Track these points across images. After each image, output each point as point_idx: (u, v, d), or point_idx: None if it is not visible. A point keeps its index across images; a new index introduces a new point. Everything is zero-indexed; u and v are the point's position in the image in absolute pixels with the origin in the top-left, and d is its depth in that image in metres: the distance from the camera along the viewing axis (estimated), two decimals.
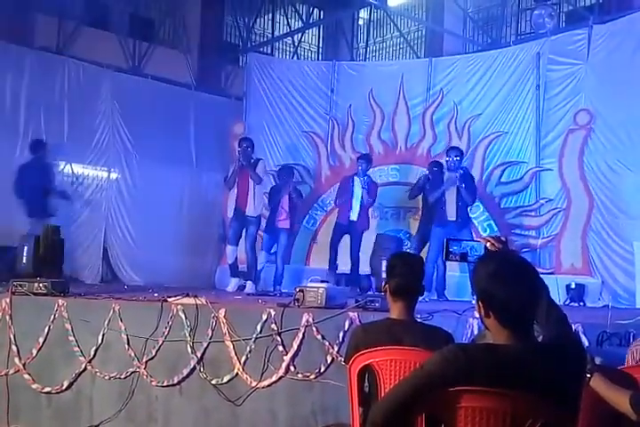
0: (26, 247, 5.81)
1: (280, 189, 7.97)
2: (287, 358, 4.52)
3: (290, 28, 12.15)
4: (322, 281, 4.96)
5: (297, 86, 9.55)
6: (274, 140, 9.46)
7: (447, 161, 7.19)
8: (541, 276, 2.27)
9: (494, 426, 1.94)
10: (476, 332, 4.03)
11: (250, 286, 7.34)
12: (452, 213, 7.03)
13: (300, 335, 4.52)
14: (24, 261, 5.69)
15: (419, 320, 3.34)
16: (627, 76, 7.38)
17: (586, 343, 3.89)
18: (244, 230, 7.42)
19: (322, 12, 12.75)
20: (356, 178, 7.82)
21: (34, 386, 5.16)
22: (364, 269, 7.30)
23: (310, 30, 12.64)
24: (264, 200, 7.88)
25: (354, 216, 7.74)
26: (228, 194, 7.72)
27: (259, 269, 7.66)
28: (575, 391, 2.05)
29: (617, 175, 7.43)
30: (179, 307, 4.89)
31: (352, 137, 9.22)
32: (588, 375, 2.46)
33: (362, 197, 7.73)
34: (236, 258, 7.58)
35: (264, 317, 4.62)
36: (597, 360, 2.72)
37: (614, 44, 7.67)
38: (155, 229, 8.94)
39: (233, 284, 7.61)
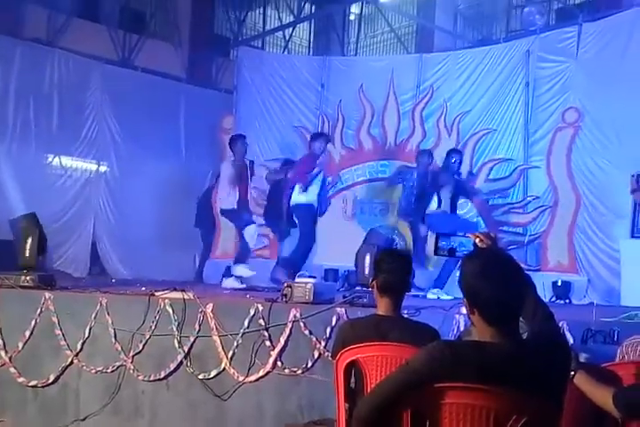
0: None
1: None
2: (274, 354, 4.52)
3: (281, 22, 12.11)
4: (310, 277, 4.95)
5: (287, 81, 9.54)
6: (264, 135, 9.45)
7: (452, 163, 7.15)
8: (528, 273, 2.28)
9: (478, 422, 1.96)
10: (462, 328, 4.04)
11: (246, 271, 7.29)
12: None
13: (288, 331, 4.53)
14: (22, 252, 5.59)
15: (405, 316, 3.36)
16: (615, 74, 7.41)
17: (571, 341, 3.92)
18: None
19: (313, 7, 12.72)
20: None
21: (20, 380, 5.15)
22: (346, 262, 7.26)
23: (301, 25, 12.60)
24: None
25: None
26: (218, 188, 7.72)
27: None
28: (560, 388, 2.07)
29: (604, 173, 7.47)
30: (166, 301, 4.88)
31: (342, 132, 9.23)
32: (572, 373, 2.48)
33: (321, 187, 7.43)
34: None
35: (252, 312, 4.63)
36: (582, 357, 2.74)
37: (604, 42, 7.69)
38: (143, 222, 8.91)
39: (242, 271, 7.30)
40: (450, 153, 7.29)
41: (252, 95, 9.63)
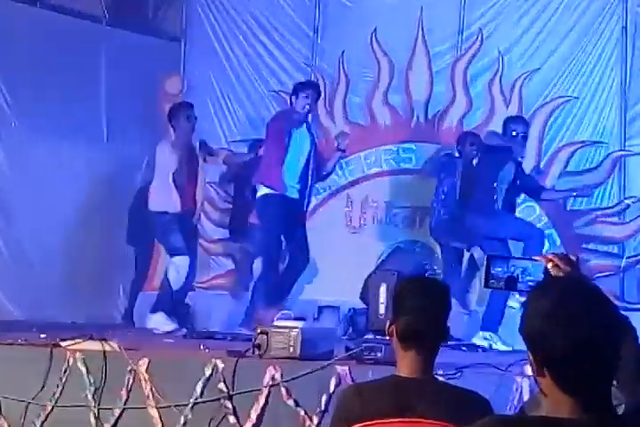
0: None
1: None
2: None
3: None
4: (296, 318, 4.96)
5: (263, 24, 9.56)
6: (227, 104, 9.46)
7: (512, 137, 7.22)
8: (625, 313, 2.28)
9: None
10: (526, 397, 4.05)
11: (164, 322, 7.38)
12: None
13: (262, 400, 4.57)
14: None
15: (441, 379, 3.36)
16: None
17: None
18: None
19: None
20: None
21: None
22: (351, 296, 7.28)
23: None
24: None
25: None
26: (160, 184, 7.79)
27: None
28: None
29: None
30: (77, 355, 4.89)
31: (345, 100, 9.25)
32: None
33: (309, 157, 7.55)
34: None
35: (207, 371, 4.66)
36: None
37: None
38: (42, 236, 8.84)
39: (158, 321, 7.44)
40: (508, 123, 7.36)
41: (208, 45, 9.67)
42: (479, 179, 7.27)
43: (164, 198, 7.47)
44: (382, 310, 5.06)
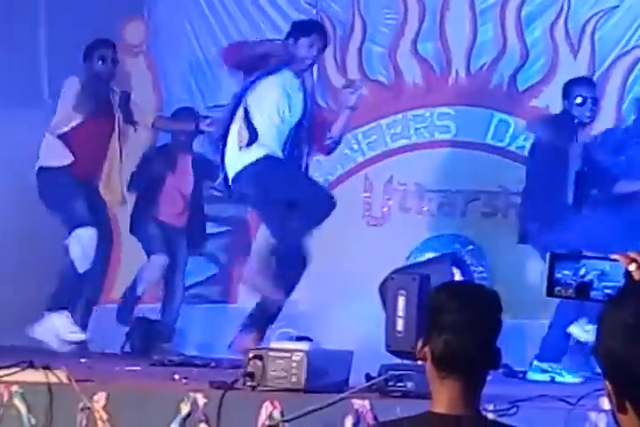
0: None
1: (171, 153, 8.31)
2: None
3: None
4: (299, 338, 4.99)
5: None
6: (205, 57, 9.46)
7: (576, 106, 7.24)
8: None
9: None
10: None
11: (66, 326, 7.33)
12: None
13: None
14: None
15: (490, 417, 3.37)
16: None
17: None
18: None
19: None
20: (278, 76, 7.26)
21: None
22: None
23: None
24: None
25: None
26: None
27: None
28: None
29: None
30: (14, 389, 4.93)
31: (361, 51, 9.26)
32: None
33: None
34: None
35: (184, 409, 4.69)
36: None
37: None
38: None
39: (60, 324, 7.40)
40: (570, 87, 7.40)
41: None
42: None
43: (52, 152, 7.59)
44: (401, 326, 5.06)
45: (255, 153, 6.91)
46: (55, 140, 7.61)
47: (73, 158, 7.54)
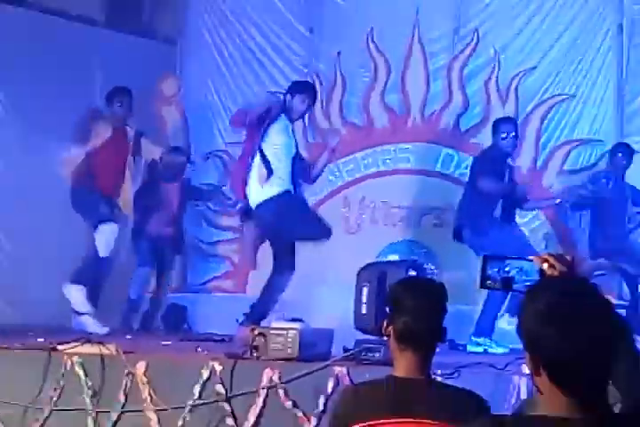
0: None
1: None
2: None
3: None
4: (293, 319, 4.96)
5: (259, 25, 9.55)
6: (223, 105, 9.44)
7: (501, 140, 7.23)
8: (623, 314, 2.27)
9: None
10: (524, 396, 4.07)
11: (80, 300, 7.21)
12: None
13: (260, 402, 4.58)
14: None
15: (438, 379, 3.37)
16: None
17: None
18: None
19: None
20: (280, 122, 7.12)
21: None
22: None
23: None
24: None
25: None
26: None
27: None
28: None
29: None
30: (75, 359, 4.89)
31: (342, 101, 9.23)
32: None
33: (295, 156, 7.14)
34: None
35: (205, 374, 4.68)
36: None
37: None
38: (38, 237, 8.81)
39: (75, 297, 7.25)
40: (498, 125, 7.36)
41: (204, 47, 9.68)
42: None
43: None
44: (364, 310, 5.07)
45: (276, 189, 6.86)
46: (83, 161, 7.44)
47: (94, 174, 7.37)
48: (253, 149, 6.96)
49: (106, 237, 7.17)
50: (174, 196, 8.44)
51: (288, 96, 7.21)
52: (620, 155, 7.40)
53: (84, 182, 7.34)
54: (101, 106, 7.99)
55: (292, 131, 7.18)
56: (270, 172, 6.84)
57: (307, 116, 7.78)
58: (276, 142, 6.94)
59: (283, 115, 7.03)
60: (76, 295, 7.07)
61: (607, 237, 7.34)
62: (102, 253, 7.20)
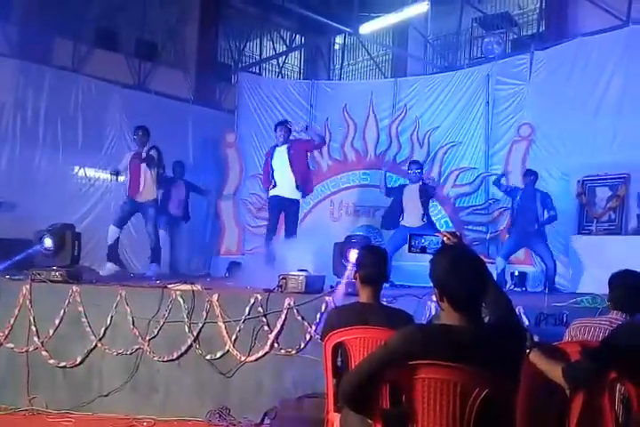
0: (49, 239, 5.58)
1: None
2: (271, 337, 4.55)
3: (275, 51, 12.13)
4: (301, 270, 4.97)
5: (281, 101, 9.52)
6: (261, 148, 9.39)
7: (409, 173, 7.18)
8: (488, 265, 2.27)
9: (447, 394, 1.97)
10: (433, 313, 4.05)
11: (153, 269, 6.73)
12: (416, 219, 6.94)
13: (283, 317, 4.56)
14: (44, 252, 5.54)
15: (384, 303, 3.36)
16: (562, 94, 7.51)
17: (526, 323, 3.93)
18: (133, 215, 6.85)
19: (303, 38, 12.77)
20: (277, 149, 6.75)
21: (51, 361, 5.09)
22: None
23: (293, 53, 12.66)
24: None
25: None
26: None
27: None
28: (516, 365, 2.07)
29: (554, 180, 7.52)
30: (177, 292, 4.88)
31: (329, 146, 9.18)
32: (528, 351, 2.48)
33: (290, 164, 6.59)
34: (117, 240, 6.66)
35: (252, 301, 4.65)
36: (536, 338, 2.75)
37: (552, 67, 7.79)
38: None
39: (107, 268, 6.50)
40: (409, 165, 7.29)
41: (250, 114, 9.59)
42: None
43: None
44: (338, 264, 5.23)
45: (276, 192, 6.67)
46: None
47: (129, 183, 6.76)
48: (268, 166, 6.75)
49: (111, 234, 6.62)
50: (180, 188, 8.17)
51: (275, 132, 6.90)
52: (531, 177, 6.94)
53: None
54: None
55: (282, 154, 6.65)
56: (275, 183, 6.65)
57: (309, 153, 7.23)
58: (280, 161, 6.68)
59: (281, 144, 6.75)
60: (109, 267, 6.51)
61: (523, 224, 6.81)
62: (109, 240, 6.63)
